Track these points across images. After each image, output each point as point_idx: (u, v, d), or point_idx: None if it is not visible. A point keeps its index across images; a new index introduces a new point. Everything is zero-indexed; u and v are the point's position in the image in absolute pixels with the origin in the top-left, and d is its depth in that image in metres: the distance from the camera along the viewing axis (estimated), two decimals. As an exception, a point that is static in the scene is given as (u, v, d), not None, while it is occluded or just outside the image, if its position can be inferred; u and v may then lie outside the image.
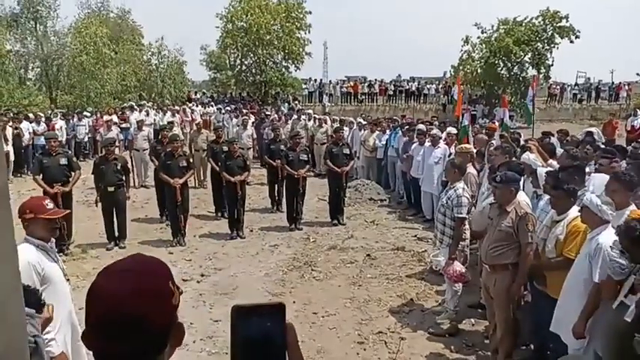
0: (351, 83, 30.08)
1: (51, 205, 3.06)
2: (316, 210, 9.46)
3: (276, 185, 9.43)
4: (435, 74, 35.33)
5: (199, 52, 31.35)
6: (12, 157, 12.02)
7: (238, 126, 13.40)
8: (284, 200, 8.85)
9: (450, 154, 7.84)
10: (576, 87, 31.02)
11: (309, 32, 27.81)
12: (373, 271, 6.48)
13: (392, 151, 10.54)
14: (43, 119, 14.37)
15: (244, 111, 17.28)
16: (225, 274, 6.42)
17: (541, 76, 25.37)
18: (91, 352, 0.97)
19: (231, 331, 0.86)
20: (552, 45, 25.05)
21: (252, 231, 8.19)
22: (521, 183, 4.61)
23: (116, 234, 7.34)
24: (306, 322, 5.09)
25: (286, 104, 24.08)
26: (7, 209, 0.98)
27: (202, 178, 11.28)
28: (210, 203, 9.33)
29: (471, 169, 6.25)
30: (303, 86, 29.72)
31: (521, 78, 25.12)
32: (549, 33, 24.81)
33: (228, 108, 19.61)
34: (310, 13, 27.63)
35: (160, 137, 9.52)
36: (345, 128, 11.33)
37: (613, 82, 31.71)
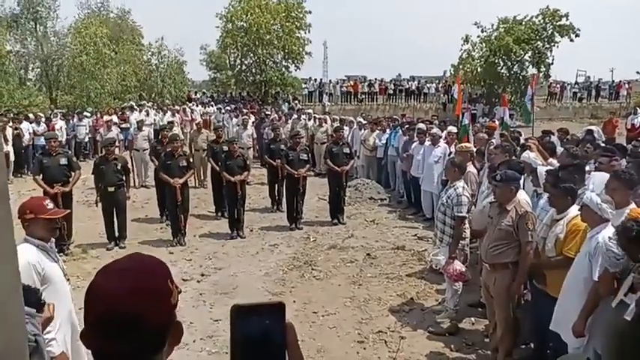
0: (351, 82, 30.08)
1: (51, 205, 3.06)
2: (316, 209, 9.47)
3: (276, 185, 9.44)
4: (435, 73, 35.38)
5: (199, 52, 31.43)
6: (12, 158, 12.03)
7: (238, 126, 13.40)
8: (284, 200, 8.86)
9: (450, 153, 7.84)
10: (576, 85, 31.02)
11: (309, 32, 27.83)
12: (373, 270, 6.48)
13: (392, 151, 10.54)
14: (43, 119, 14.38)
15: (244, 111, 17.28)
16: (226, 273, 6.42)
17: (541, 74, 25.35)
18: (90, 352, 0.97)
19: (231, 330, 0.86)
20: (552, 44, 25.03)
21: (252, 230, 8.20)
22: (522, 182, 4.62)
23: (116, 234, 7.35)
24: (306, 321, 5.09)
25: (286, 104, 24.07)
26: (7, 209, 0.98)
27: (202, 177, 11.28)
28: (211, 203, 9.33)
29: (471, 168, 6.25)
30: (303, 86, 29.72)
31: (521, 77, 25.10)
32: (549, 32, 24.78)
33: (228, 108, 19.61)
34: (310, 12, 27.65)
35: (160, 137, 9.52)
36: (345, 127, 11.32)
37: (613, 81, 31.69)
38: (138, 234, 7.96)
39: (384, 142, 10.90)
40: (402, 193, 10.20)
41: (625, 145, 8.12)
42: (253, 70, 28.40)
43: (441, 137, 8.68)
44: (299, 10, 27.35)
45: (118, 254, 0.94)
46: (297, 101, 25.31)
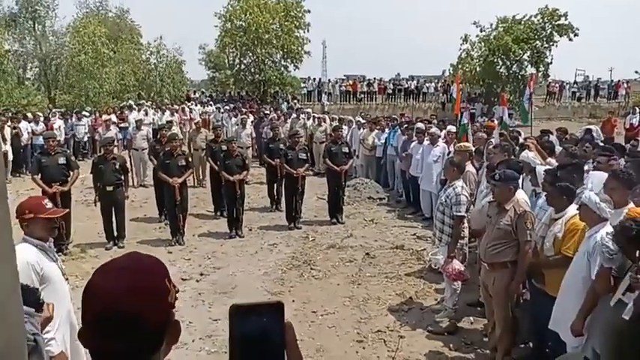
0: (350, 82, 30.09)
1: (50, 205, 3.06)
2: (315, 209, 9.47)
3: (275, 184, 9.43)
4: (434, 73, 35.43)
5: (198, 52, 31.37)
6: (10, 157, 12.01)
7: (237, 125, 13.39)
8: (283, 199, 8.86)
9: (449, 152, 7.85)
10: (575, 85, 31.05)
11: (307, 31, 27.83)
12: (372, 269, 6.49)
13: (391, 150, 10.55)
14: (42, 119, 14.35)
15: (243, 110, 17.25)
16: (224, 273, 6.42)
17: (540, 74, 25.38)
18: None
19: (230, 330, 0.86)
20: (551, 43, 25.05)
21: (251, 230, 8.19)
22: (520, 181, 4.62)
23: (115, 233, 7.34)
24: (306, 320, 5.09)
25: (285, 103, 24.07)
26: (6, 209, 0.98)
27: (201, 177, 11.28)
28: (209, 202, 9.32)
29: (469, 168, 6.26)
30: (302, 85, 29.71)
31: (520, 76, 25.12)
32: (548, 31, 24.80)
33: (227, 107, 19.60)
34: (309, 12, 27.65)
35: (158, 136, 9.50)
36: (344, 127, 11.32)
37: (612, 80, 31.75)
38: (137, 233, 7.95)
39: (383, 141, 10.90)
40: (400, 192, 10.20)
41: (623, 144, 8.13)
42: (252, 70, 28.39)
43: (439, 137, 8.68)
44: (298, 10, 27.33)
45: (117, 254, 0.94)
46: (296, 100, 25.30)
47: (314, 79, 30.76)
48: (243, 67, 28.53)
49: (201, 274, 6.33)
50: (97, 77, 21.21)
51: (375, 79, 29.80)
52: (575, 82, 31.66)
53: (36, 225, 2.92)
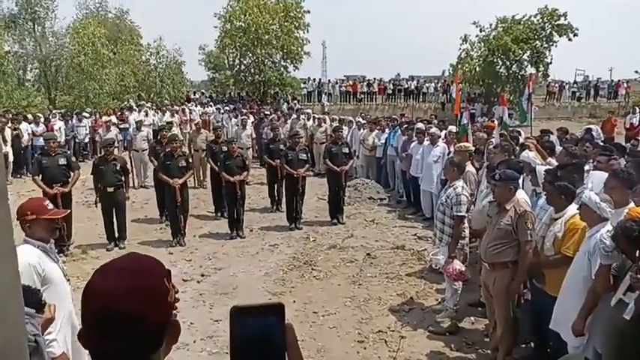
0: (350, 82, 30.10)
1: (51, 206, 3.06)
2: (316, 209, 9.47)
3: (275, 185, 9.43)
4: (434, 73, 35.43)
5: (198, 52, 31.39)
6: (11, 158, 12.03)
7: (237, 126, 13.39)
8: (283, 200, 8.86)
9: (450, 152, 7.85)
10: (575, 85, 31.04)
11: (307, 32, 27.83)
12: (373, 270, 6.48)
13: (391, 150, 10.55)
14: (42, 120, 14.36)
15: (243, 111, 17.26)
16: (225, 273, 6.42)
17: (540, 74, 25.37)
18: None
19: (231, 332, 0.86)
20: (551, 43, 25.05)
21: (251, 231, 8.20)
22: (521, 181, 4.62)
23: (116, 234, 7.35)
24: (307, 321, 5.09)
25: (285, 104, 24.08)
26: (7, 210, 0.98)
27: (202, 178, 11.28)
28: (210, 203, 9.33)
29: (470, 168, 6.26)
30: (302, 86, 29.71)
31: (519, 76, 25.11)
32: (548, 31, 24.80)
33: (227, 108, 19.59)
34: (309, 12, 27.65)
35: (159, 137, 9.51)
36: (344, 127, 11.32)
37: (612, 80, 31.74)
38: (137, 234, 7.95)
39: (383, 141, 10.91)
40: (401, 192, 10.20)
41: (623, 144, 8.13)
42: (252, 70, 28.39)
43: (439, 137, 8.68)
44: (297, 10, 27.34)
45: (118, 255, 0.94)
46: (296, 101, 25.31)
47: (314, 79, 30.78)
48: (243, 67, 28.54)
49: (202, 275, 6.33)
50: (97, 78, 21.22)
51: (375, 79, 29.81)
52: (575, 82, 31.65)
53: (38, 226, 2.92)
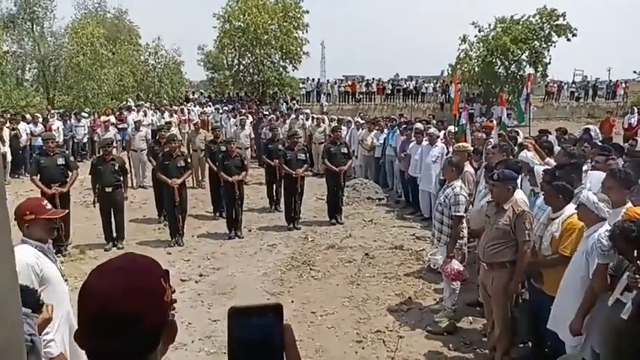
0: (349, 82, 30.12)
1: (49, 206, 3.06)
2: (314, 209, 9.47)
3: (274, 185, 9.43)
4: (433, 73, 35.46)
5: (197, 52, 31.38)
6: (9, 158, 12.01)
7: (236, 126, 13.39)
8: (282, 200, 8.86)
9: (448, 152, 7.86)
10: (574, 85, 31.11)
11: (306, 32, 27.82)
12: (371, 270, 6.49)
13: (390, 150, 10.55)
14: (40, 120, 14.34)
15: (242, 111, 17.26)
16: (224, 273, 6.42)
17: (538, 74, 25.42)
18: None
19: (229, 332, 0.85)
20: (549, 43, 25.08)
21: (250, 231, 8.19)
22: (519, 181, 4.63)
23: (114, 235, 7.34)
24: (305, 321, 5.10)
25: (284, 104, 24.08)
26: (5, 210, 0.98)
27: (200, 178, 11.28)
28: (209, 203, 9.32)
29: (468, 168, 6.26)
30: (301, 86, 29.71)
31: (518, 76, 25.14)
32: (546, 31, 24.83)
33: (226, 108, 19.60)
34: (307, 12, 27.64)
35: (157, 137, 9.50)
36: (342, 127, 11.35)
37: (610, 80, 31.82)
38: (136, 234, 7.95)
39: (382, 141, 10.91)
40: (399, 192, 10.21)
41: (622, 144, 8.14)
42: (251, 70, 28.37)
43: (438, 137, 8.69)
44: (296, 10, 27.32)
45: (116, 255, 0.94)
46: (294, 101, 25.30)
47: (313, 79, 30.79)
48: (241, 67, 28.52)
49: (201, 275, 6.33)
50: (95, 78, 21.18)
51: (373, 79, 29.82)
52: (574, 82, 31.74)
53: (36, 226, 2.92)
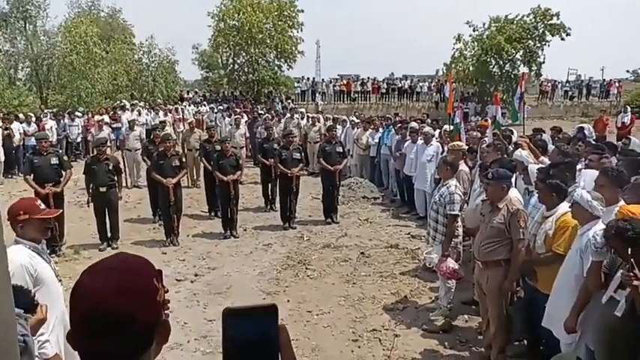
0: (344, 82, 30.12)
1: (43, 206, 3.04)
2: (310, 208, 9.47)
3: (269, 184, 9.42)
4: (428, 72, 35.57)
5: (191, 52, 31.30)
6: (2, 158, 11.95)
7: (231, 125, 13.37)
8: (277, 199, 8.85)
9: (443, 151, 7.87)
10: (567, 84, 31.29)
11: (301, 31, 27.82)
12: (367, 268, 6.50)
13: (385, 149, 10.57)
14: (34, 119, 14.24)
15: (237, 110, 17.22)
16: (219, 273, 6.41)
17: (532, 73, 25.53)
18: None
19: (223, 333, 0.85)
20: (543, 42, 25.23)
21: (245, 230, 8.18)
22: (513, 180, 4.64)
23: (109, 235, 7.30)
24: (301, 320, 5.09)
25: (279, 103, 24.05)
26: (-3, 210, 0.97)
27: (195, 177, 11.25)
28: (204, 203, 9.30)
29: (463, 167, 6.28)
30: (296, 85, 29.69)
31: (512, 75, 25.25)
32: (540, 30, 24.96)
33: (221, 107, 19.56)
34: (302, 11, 27.64)
35: (152, 137, 9.47)
36: (338, 126, 11.34)
37: (604, 80, 32.02)
38: (130, 234, 7.91)
39: (377, 141, 10.92)
40: (395, 191, 10.23)
41: (615, 142, 8.19)
42: (246, 70, 28.33)
43: (433, 136, 8.71)
44: (291, 9, 27.31)
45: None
46: (290, 100, 25.28)
47: (308, 78, 30.78)
48: (236, 66, 28.47)
49: (196, 275, 6.31)
50: (89, 77, 21.07)
51: (368, 78, 29.86)
52: (568, 81, 31.91)
53: (30, 226, 2.90)
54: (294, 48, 27.71)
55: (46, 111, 16.92)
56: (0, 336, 0.93)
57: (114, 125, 14.79)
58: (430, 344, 4.63)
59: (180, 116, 17.81)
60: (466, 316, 5.12)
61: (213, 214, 8.92)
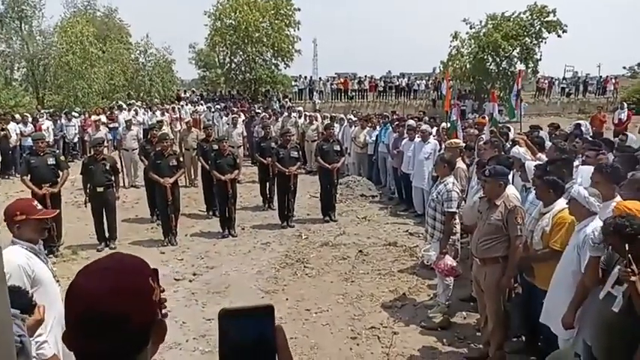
0: (341, 80, 30.11)
1: (40, 206, 3.04)
2: (308, 207, 9.47)
3: (267, 183, 9.42)
4: (425, 70, 35.59)
5: (188, 51, 31.26)
6: (-1, 159, 11.89)
7: (228, 124, 13.35)
8: (275, 198, 8.85)
9: (441, 149, 7.88)
10: (564, 81, 31.31)
11: (298, 29, 27.78)
12: (365, 266, 6.50)
13: (382, 147, 10.57)
14: (30, 120, 14.19)
15: (234, 109, 17.20)
16: (218, 272, 6.41)
17: (529, 70, 25.56)
18: None
19: (220, 335, 0.85)
20: (540, 39, 25.24)
21: (243, 229, 8.18)
22: (511, 177, 4.65)
23: (106, 235, 7.29)
24: (299, 318, 5.10)
25: (277, 102, 24.02)
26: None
27: (193, 176, 11.23)
28: (201, 202, 9.29)
29: (460, 164, 6.29)
30: (293, 83, 29.65)
31: (509, 73, 25.28)
32: (537, 28, 24.99)
33: (218, 106, 19.51)
34: (299, 10, 27.58)
35: (149, 136, 9.44)
36: (335, 125, 11.34)
37: (600, 76, 32.09)
38: (128, 234, 7.90)
39: (375, 139, 10.93)
40: (392, 189, 10.23)
41: (612, 139, 8.21)
42: (243, 68, 28.26)
43: (430, 133, 8.72)
44: (288, 8, 27.26)
45: (108, 255, 0.94)
46: (287, 99, 25.25)
47: (305, 77, 30.74)
48: (233, 65, 28.40)
49: (194, 274, 6.30)
50: (85, 77, 20.99)
51: (365, 76, 29.85)
52: (565, 78, 31.94)
53: (27, 227, 2.89)
54: (291, 47, 27.66)
55: (42, 111, 16.87)
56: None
57: (111, 125, 14.74)
58: (428, 341, 4.64)
59: (178, 116, 17.77)
60: (464, 313, 5.13)
61: (211, 213, 8.92)
